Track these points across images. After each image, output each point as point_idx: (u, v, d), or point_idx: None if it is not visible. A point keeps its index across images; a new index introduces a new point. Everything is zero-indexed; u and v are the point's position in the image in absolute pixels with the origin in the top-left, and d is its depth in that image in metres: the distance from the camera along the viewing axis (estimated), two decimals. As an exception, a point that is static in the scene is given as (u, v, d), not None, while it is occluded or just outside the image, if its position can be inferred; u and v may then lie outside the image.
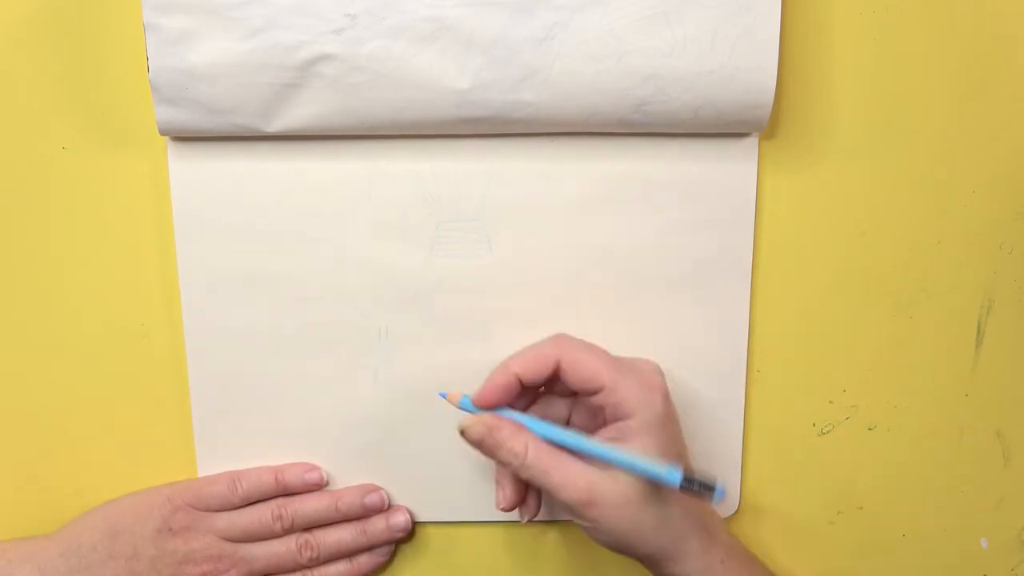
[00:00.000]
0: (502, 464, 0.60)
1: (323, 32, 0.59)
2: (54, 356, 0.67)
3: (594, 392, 0.60)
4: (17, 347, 0.67)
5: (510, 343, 0.66)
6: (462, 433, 0.61)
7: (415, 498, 0.70)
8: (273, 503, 0.67)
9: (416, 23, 0.59)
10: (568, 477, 0.58)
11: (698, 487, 0.56)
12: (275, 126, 0.61)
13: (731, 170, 0.65)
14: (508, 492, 0.64)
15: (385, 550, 0.69)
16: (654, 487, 0.59)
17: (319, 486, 0.68)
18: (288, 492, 0.68)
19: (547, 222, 0.66)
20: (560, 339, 0.61)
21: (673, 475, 0.57)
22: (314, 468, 0.68)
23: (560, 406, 0.64)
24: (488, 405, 0.61)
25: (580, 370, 0.60)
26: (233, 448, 0.68)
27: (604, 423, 0.61)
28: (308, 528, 0.67)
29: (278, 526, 0.66)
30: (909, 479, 0.71)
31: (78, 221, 0.66)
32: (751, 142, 0.65)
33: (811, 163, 0.66)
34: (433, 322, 0.67)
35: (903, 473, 0.71)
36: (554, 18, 0.59)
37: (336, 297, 0.67)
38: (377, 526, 0.68)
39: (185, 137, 0.63)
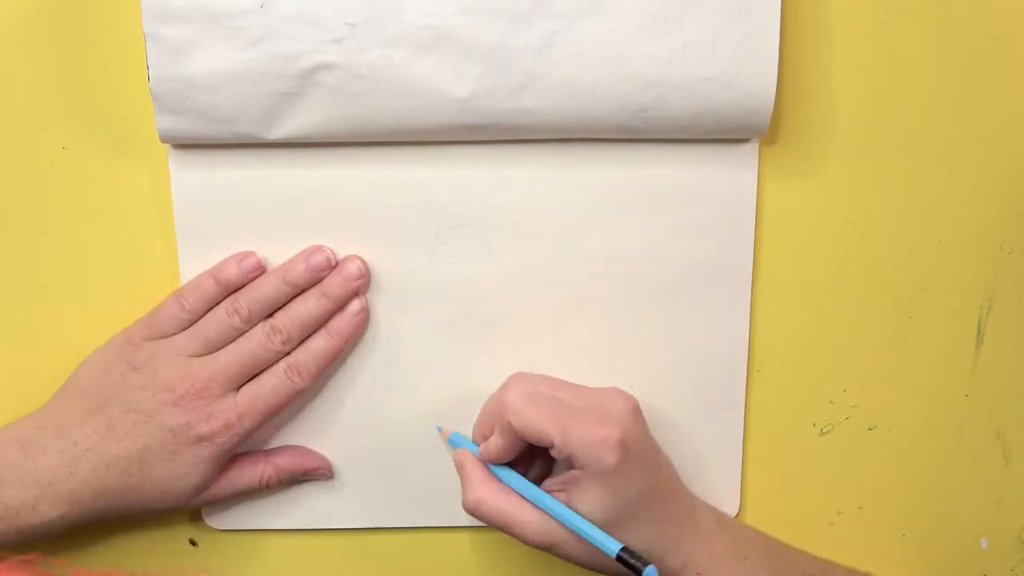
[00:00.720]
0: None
1: (323, 41, 0.59)
2: (54, 357, 0.67)
3: (548, 447, 0.61)
4: (17, 348, 0.67)
5: (510, 348, 0.67)
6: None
7: (415, 502, 0.71)
8: (223, 301, 0.64)
9: (415, 32, 0.59)
10: (526, 526, 0.62)
11: (631, 564, 0.58)
12: (276, 134, 0.62)
13: (731, 176, 0.66)
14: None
15: (357, 307, 0.65)
16: (610, 525, 0.61)
17: (261, 269, 0.65)
18: (234, 289, 0.65)
19: (547, 228, 0.66)
20: (509, 394, 0.62)
21: (611, 548, 0.59)
22: (248, 254, 0.65)
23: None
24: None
25: (528, 431, 0.61)
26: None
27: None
28: (269, 315, 0.65)
29: (236, 320, 0.63)
30: (909, 479, 0.72)
31: (79, 228, 0.66)
32: (751, 148, 0.65)
33: (811, 167, 0.67)
34: (433, 327, 0.67)
35: (903, 473, 0.72)
36: (553, 26, 0.59)
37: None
38: (334, 283, 0.65)
39: (186, 144, 0.64)
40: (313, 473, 0.69)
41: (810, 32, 0.65)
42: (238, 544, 0.72)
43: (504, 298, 0.67)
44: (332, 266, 0.65)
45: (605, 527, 0.60)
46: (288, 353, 0.64)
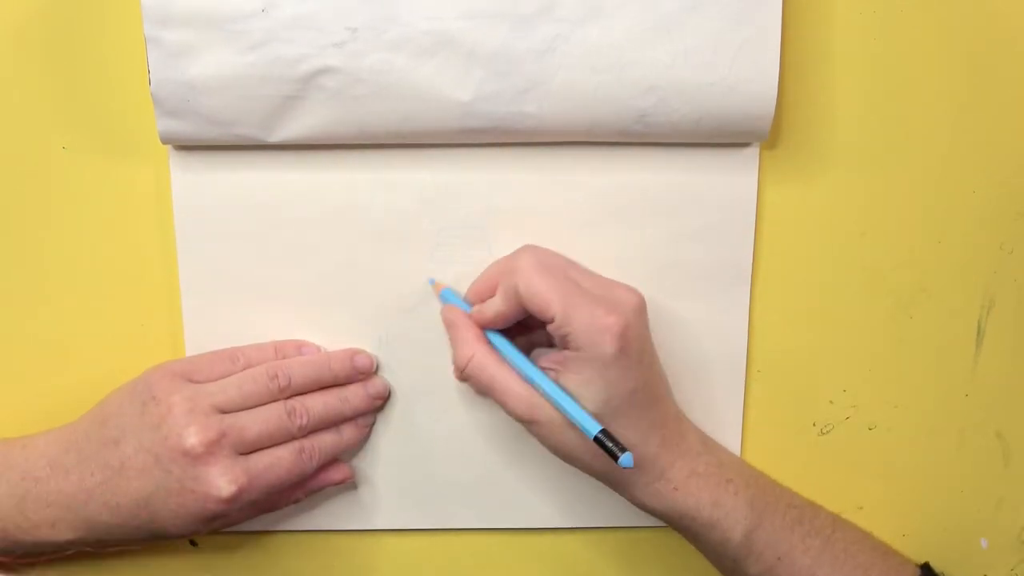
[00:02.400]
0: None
1: (324, 45, 0.59)
2: (54, 359, 0.68)
3: (547, 322, 0.61)
4: (17, 348, 0.68)
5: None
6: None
7: (414, 504, 0.71)
8: (266, 364, 0.65)
9: (417, 36, 0.60)
10: (510, 394, 0.62)
11: (608, 447, 0.58)
12: (277, 136, 0.62)
13: (732, 180, 0.66)
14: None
15: (366, 421, 0.69)
16: (595, 415, 0.60)
17: (313, 352, 0.68)
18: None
19: (548, 231, 0.67)
20: (522, 262, 0.62)
21: (590, 429, 0.59)
22: (310, 345, 0.68)
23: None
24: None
25: (532, 299, 0.60)
26: None
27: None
28: (297, 394, 0.66)
29: (273, 385, 0.64)
30: (909, 479, 0.72)
31: (79, 229, 0.67)
32: (752, 152, 0.66)
33: (812, 170, 0.67)
34: (433, 328, 0.68)
35: (903, 473, 0.72)
36: (555, 30, 0.60)
37: (337, 304, 0.68)
38: (358, 394, 0.67)
39: (187, 146, 0.64)
40: (339, 484, 0.69)
41: (810, 37, 0.65)
42: (238, 544, 0.72)
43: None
44: (371, 373, 0.68)
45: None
46: (299, 436, 0.65)
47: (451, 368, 0.68)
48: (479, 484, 0.71)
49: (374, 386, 0.68)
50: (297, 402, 0.65)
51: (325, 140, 0.63)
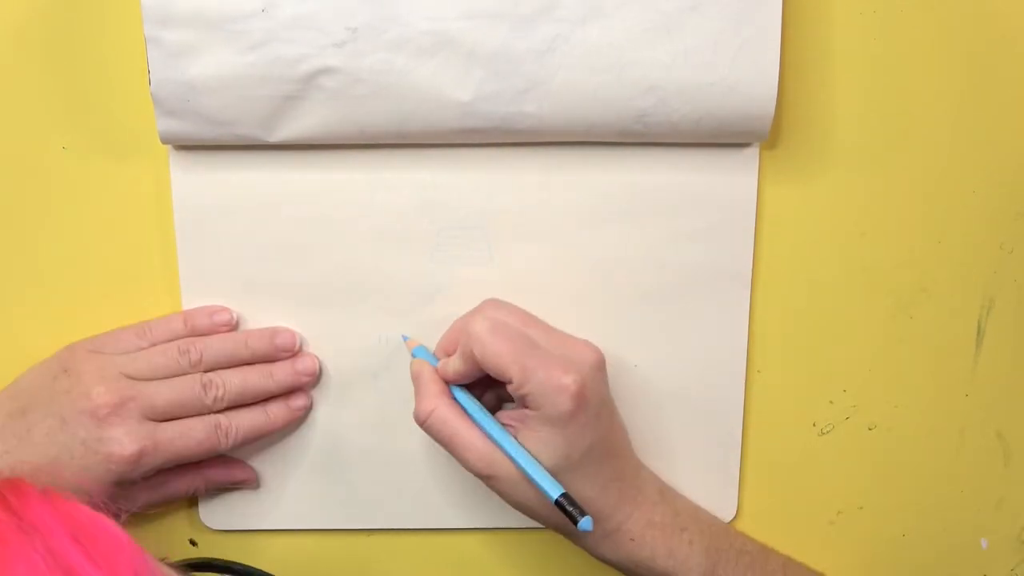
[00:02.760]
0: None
1: (324, 45, 0.60)
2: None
3: (506, 383, 0.61)
4: (17, 348, 0.67)
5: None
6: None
7: (414, 504, 0.71)
8: (180, 340, 0.65)
9: (417, 36, 0.60)
10: (470, 449, 0.62)
11: (568, 511, 0.59)
12: (277, 136, 0.63)
13: (732, 180, 0.66)
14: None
15: (300, 403, 0.68)
16: (553, 471, 0.61)
17: (230, 327, 0.67)
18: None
19: (548, 231, 0.67)
20: (476, 327, 0.62)
21: (551, 492, 0.59)
22: (223, 310, 0.67)
23: None
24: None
25: (488, 363, 0.61)
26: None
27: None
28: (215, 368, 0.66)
29: (184, 360, 0.64)
30: (909, 479, 0.72)
31: (79, 229, 0.67)
32: (752, 152, 0.66)
33: (812, 170, 0.68)
34: (433, 328, 0.68)
35: (903, 473, 0.72)
36: (555, 30, 0.60)
37: (336, 304, 0.68)
38: (283, 369, 0.67)
39: (187, 146, 0.64)
40: (242, 484, 0.70)
41: (810, 37, 0.65)
42: (238, 544, 0.72)
43: (504, 299, 0.67)
44: (294, 351, 0.68)
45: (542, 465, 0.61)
46: (217, 411, 0.65)
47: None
48: (478, 484, 0.71)
49: (302, 362, 0.68)
50: (215, 375, 0.65)
51: (325, 140, 0.63)
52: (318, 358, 0.68)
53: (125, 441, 0.61)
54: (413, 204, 0.66)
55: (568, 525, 0.60)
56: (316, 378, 0.69)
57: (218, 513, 0.71)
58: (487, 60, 0.60)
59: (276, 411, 0.67)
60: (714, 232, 0.67)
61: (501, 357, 0.61)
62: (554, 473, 0.61)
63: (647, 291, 0.67)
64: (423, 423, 0.63)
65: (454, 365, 0.63)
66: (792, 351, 0.71)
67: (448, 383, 0.64)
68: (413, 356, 0.67)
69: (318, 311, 0.68)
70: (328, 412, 0.70)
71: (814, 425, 0.72)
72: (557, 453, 0.61)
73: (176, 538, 0.72)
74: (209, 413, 0.65)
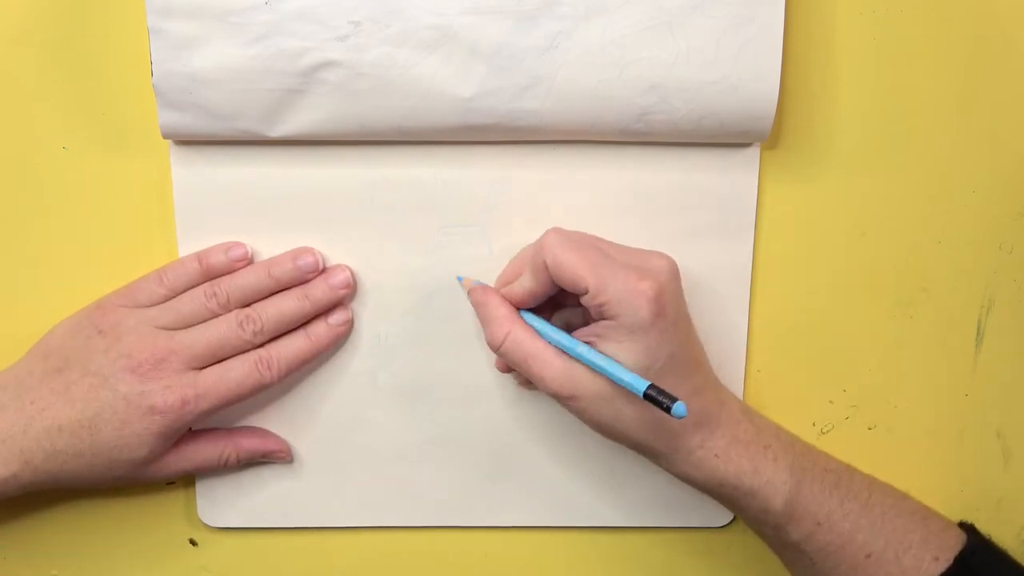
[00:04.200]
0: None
1: (327, 39, 0.60)
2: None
3: (581, 294, 0.60)
4: (18, 348, 0.67)
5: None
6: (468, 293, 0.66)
7: (414, 504, 0.72)
8: (204, 284, 0.65)
9: (420, 31, 0.60)
10: (547, 370, 0.61)
11: (659, 401, 0.56)
12: (278, 131, 0.63)
13: (733, 179, 0.67)
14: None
15: (341, 319, 0.67)
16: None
17: (247, 260, 0.66)
18: (217, 276, 0.66)
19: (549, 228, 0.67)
20: (548, 239, 0.61)
21: (639, 384, 0.57)
22: (237, 245, 0.66)
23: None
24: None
25: (562, 274, 0.60)
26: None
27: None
28: (247, 305, 0.65)
29: (212, 303, 0.64)
30: (909, 479, 0.72)
31: (82, 225, 0.67)
32: (753, 151, 0.66)
33: (812, 170, 0.68)
34: (433, 326, 0.69)
35: (903, 473, 0.72)
36: (558, 27, 0.60)
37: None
38: (318, 288, 0.66)
39: (188, 141, 0.65)
40: (273, 455, 0.69)
41: (812, 37, 0.66)
42: (238, 544, 0.73)
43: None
44: (320, 270, 0.66)
45: (622, 392, 0.60)
46: (259, 346, 0.65)
47: (450, 367, 0.69)
48: (478, 482, 0.71)
49: (335, 276, 0.66)
50: (250, 310, 0.65)
51: (326, 136, 0.63)
52: (349, 268, 0.67)
53: (167, 392, 0.62)
54: (414, 201, 0.67)
55: (653, 437, 0.60)
56: (353, 289, 0.68)
57: (218, 511, 0.71)
58: (489, 56, 0.61)
59: (318, 332, 0.67)
60: (714, 231, 0.68)
61: (575, 265, 0.59)
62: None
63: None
64: (499, 348, 0.62)
65: (523, 284, 0.63)
66: (792, 351, 0.71)
67: (517, 307, 0.64)
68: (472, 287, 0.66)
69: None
70: (328, 410, 0.70)
71: (814, 425, 0.72)
72: (639, 361, 0.59)
73: (176, 537, 0.73)
74: (252, 349, 0.65)
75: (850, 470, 0.67)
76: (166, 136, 0.63)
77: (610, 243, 0.63)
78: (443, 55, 0.61)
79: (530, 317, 0.63)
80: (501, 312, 0.63)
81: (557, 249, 0.60)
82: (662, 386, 0.58)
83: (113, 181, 0.67)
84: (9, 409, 0.62)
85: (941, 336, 0.71)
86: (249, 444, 0.68)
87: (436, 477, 0.71)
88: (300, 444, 0.70)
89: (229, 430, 0.69)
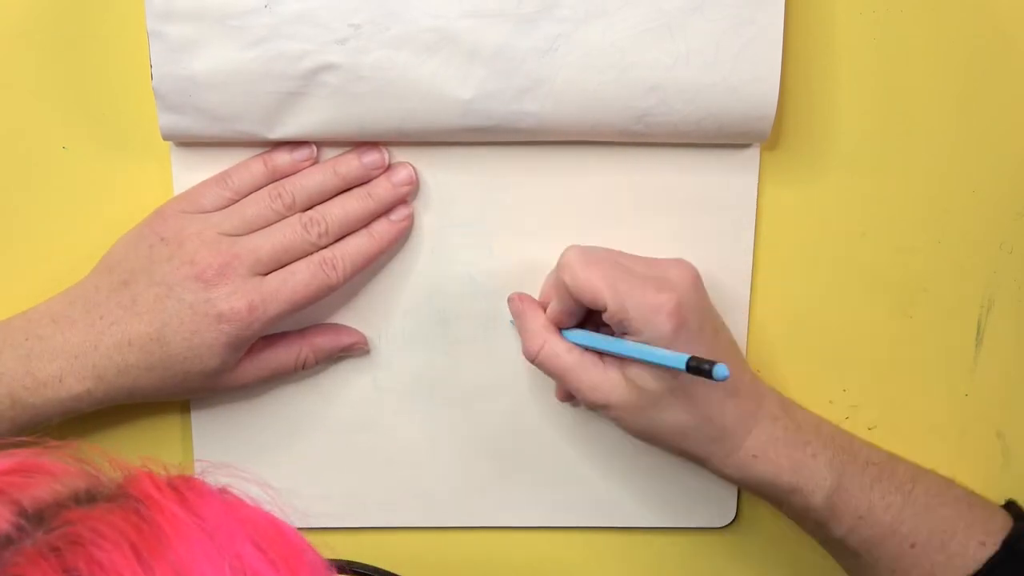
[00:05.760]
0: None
1: (327, 42, 0.60)
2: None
3: (601, 311, 0.61)
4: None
5: (510, 349, 0.68)
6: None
7: (414, 504, 0.72)
8: (268, 186, 0.64)
9: (419, 34, 0.60)
10: (584, 381, 0.62)
11: (701, 369, 0.56)
12: (278, 133, 0.63)
13: (733, 180, 0.67)
14: None
15: (402, 214, 0.66)
16: (667, 395, 0.60)
17: (312, 161, 0.65)
18: (283, 175, 0.65)
19: (549, 230, 0.67)
20: (567, 258, 0.62)
21: (679, 360, 0.57)
22: (304, 145, 0.65)
23: None
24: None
25: (581, 293, 0.61)
26: (231, 445, 0.70)
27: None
28: (311, 207, 0.65)
29: (278, 204, 0.63)
30: (909, 479, 0.73)
31: (80, 224, 0.67)
32: (753, 152, 0.67)
33: (812, 171, 0.68)
34: (433, 327, 0.69)
35: (903, 473, 0.73)
36: (557, 30, 0.61)
37: (336, 303, 0.68)
38: (381, 186, 0.65)
39: (189, 142, 0.65)
40: (351, 349, 0.68)
41: (812, 38, 0.66)
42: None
43: (504, 299, 0.68)
44: (385, 166, 0.65)
45: (657, 399, 0.60)
46: (324, 248, 0.64)
47: (450, 367, 0.70)
48: (479, 483, 0.71)
49: (397, 174, 0.66)
50: (314, 212, 0.64)
51: (326, 137, 0.64)
52: (411, 165, 0.66)
53: (233, 299, 0.61)
54: (413, 203, 0.67)
55: (692, 448, 0.61)
56: (416, 185, 0.67)
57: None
58: (489, 59, 0.61)
59: (380, 229, 0.65)
60: (714, 232, 0.68)
61: (593, 283, 0.60)
62: (663, 397, 0.60)
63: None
64: (535, 358, 0.63)
65: (553, 307, 0.63)
66: (792, 351, 0.71)
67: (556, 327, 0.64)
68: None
69: (318, 309, 0.68)
70: (329, 411, 0.70)
71: (814, 425, 0.72)
72: (662, 377, 0.60)
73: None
74: (317, 251, 0.64)
75: (893, 461, 0.67)
76: (166, 138, 0.63)
77: (631, 256, 0.64)
78: (443, 58, 0.61)
79: (573, 332, 0.64)
80: (537, 324, 0.64)
81: (575, 267, 0.61)
82: (694, 393, 0.60)
83: (113, 182, 0.67)
84: (79, 324, 0.62)
85: (941, 336, 0.71)
86: (324, 341, 0.68)
87: (436, 477, 0.72)
88: (300, 444, 0.71)
89: (303, 331, 0.67)
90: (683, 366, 0.56)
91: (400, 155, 0.66)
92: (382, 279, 0.68)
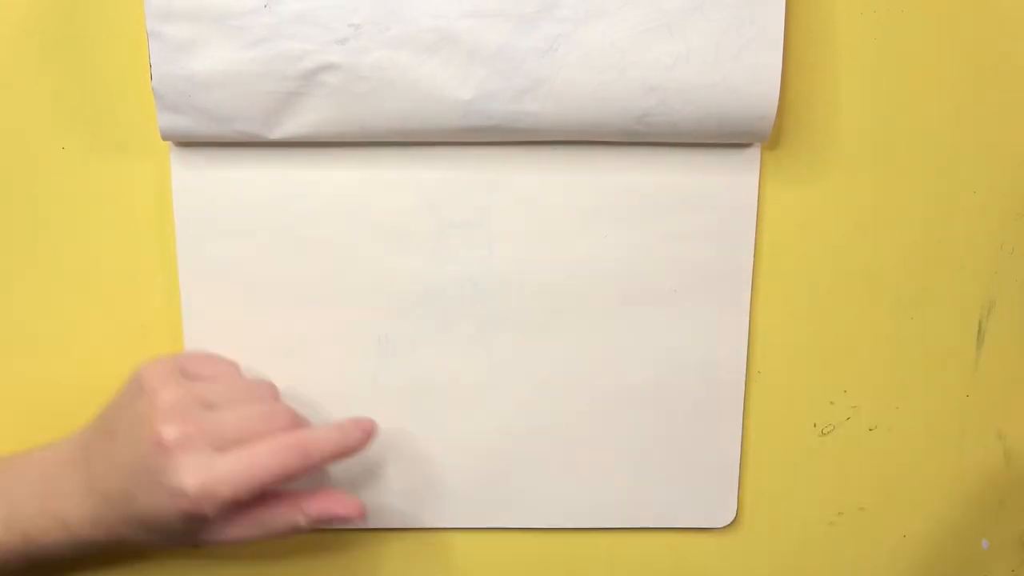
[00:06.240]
0: None
1: (327, 42, 0.60)
2: (54, 359, 0.69)
3: None
4: (17, 348, 0.68)
5: (509, 349, 0.68)
6: None
7: (413, 504, 0.72)
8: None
9: (420, 34, 0.60)
10: None
11: None
12: (278, 133, 0.63)
13: (733, 180, 0.67)
14: None
15: (370, 423, 0.64)
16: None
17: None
18: None
19: (549, 230, 0.67)
20: None
21: None
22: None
23: None
24: None
25: None
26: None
27: None
28: None
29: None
30: (910, 480, 0.73)
31: (80, 226, 0.67)
32: (753, 152, 0.67)
33: (813, 171, 0.68)
34: (433, 328, 0.69)
35: (904, 474, 0.73)
36: (558, 30, 0.61)
37: (336, 302, 0.68)
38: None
39: (188, 143, 0.65)
40: (345, 520, 0.63)
41: (812, 37, 0.66)
42: (238, 544, 0.72)
43: (505, 299, 0.68)
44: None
45: None
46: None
47: (450, 367, 0.69)
48: (479, 484, 0.71)
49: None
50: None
51: (326, 138, 0.64)
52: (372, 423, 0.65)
53: (184, 475, 0.57)
54: (414, 203, 0.67)
55: None
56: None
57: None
58: (489, 59, 0.61)
59: (352, 428, 0.64)
60: (714, 232, 0.68)
61: None
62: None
63: (647, 291, 0.68)
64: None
65: None
66: (793, 351, 0.71)
67: None
68: None
69: (318, 310, 0.68)
70: (328, 411, 0.70)
71: (814, 426, 0.72)
72: None
73: (174, 537, 0.73)
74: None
75: None
76: (166, 138, 0.63)
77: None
78: (443, 58, 0.61)
79: None
80: None
81: None
82: None
83: (112, 182, 0.67)
84: (80, 470, 0.61)
85: (942, 336, 0.71)
86: (316, 508, 0.62)
87: (435, 478, 0.71)
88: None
89: (297, 494, 0.63)
90: None
91: (400, 155, 0.66)
92: (382, 279, 0.68)
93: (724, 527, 0.74)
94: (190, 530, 0.59)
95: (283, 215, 0.67)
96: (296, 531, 0.62)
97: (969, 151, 0.69)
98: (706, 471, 0.72)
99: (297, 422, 0.63)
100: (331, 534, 0.73)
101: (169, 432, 0.58)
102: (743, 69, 0.62)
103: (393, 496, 0.72)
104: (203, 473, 0.57)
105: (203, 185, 0.66)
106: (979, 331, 0.71)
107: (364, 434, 0.64)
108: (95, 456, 0.61)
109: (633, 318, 0.69)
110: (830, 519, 0.74)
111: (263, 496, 0.61)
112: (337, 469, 0.71)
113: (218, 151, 0.65)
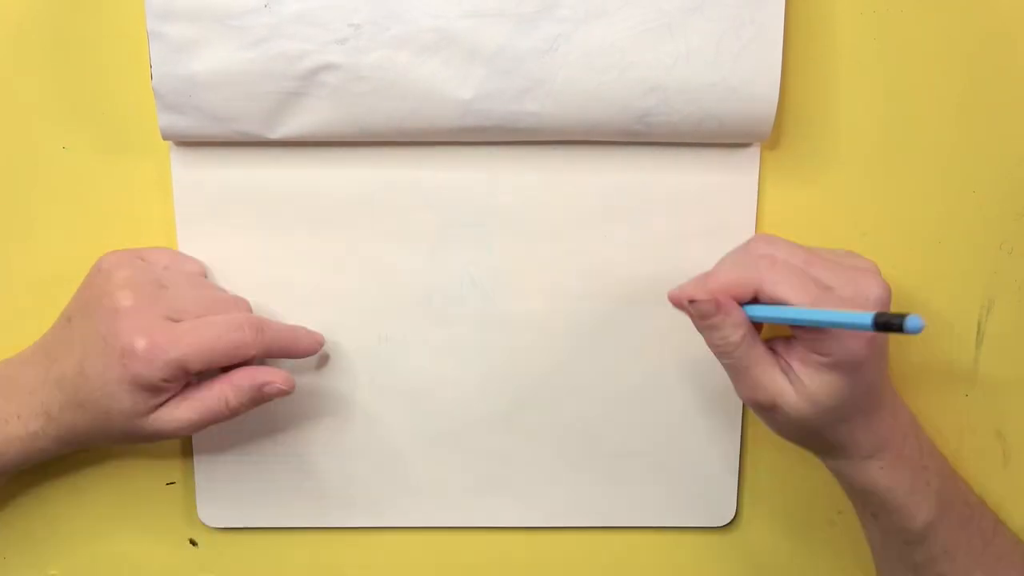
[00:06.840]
0: (709, 343, 0.61)
1: (327, 42, 0.60)
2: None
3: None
4: (16, 348, 0.68)
5: (509, 349, 0.68)
6: (687, 303, 0.60)
7: (413, 504, 0.72)
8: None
9: (420, 34, 0.60)
10: (761, 379, 0.60)
11: (893, 323, 0.52)
12: (278, 133, 0.63)
13: (733, 180, 0.67)
14: None
15: (320, 336, 0.67)
16: (832, 409, 0.59)
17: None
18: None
19: (549, 229, 0.68)
20: (763, 260, 0.59)
21: (864, 320, 0.53)
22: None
23: None
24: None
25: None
26: (230, 445, 0.71)
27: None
28: None
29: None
30: (909, 479, 0.73)
31: (80, 224, 0.68)
32: (753, 152, 0.67)
33: (813, 170, 0.68)
34: (432, 328, 0.69)
35: (903, 473, 0.73)
36: (558, 30, 0.61)
37: (336, 302, 0.68)
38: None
39: (188, 142, 0.65)
40: (270, 386, 0.63)
41: (812, 37, 0.66)
42: (238, 544, 0.73)
43: (505, 298, 0.68)
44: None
45: (826, 411, 0.59)
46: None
47: (450, 367, 0.70)
48: (479, 483, 0.71)
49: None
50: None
51: (326, 137, 0.64)
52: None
53: (136, 335, 0.59)
54: (414, 202, 0.67)
55: (835, 452, 0.61)
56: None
57: (218, 512, 0.72)
58: (489, 58, 0.61)
59: (304, 332, 0.67)
60: (714, 232, 0.68)
61: (792, 300, 0.58)
62: (831, 410, 0.59)
63: (647, 290, 0.68)
64: (731, 353, 0.60)
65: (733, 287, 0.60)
66: (792, 351, 0.71)
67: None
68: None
69: (318, 310, 0.68)
70: (328, 411, 0.70)
71: (814, 425, 0.72)
72: (840, 396, 0.59)
73: (176, 538, 0.73)
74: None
75: (982, 507, 0.69)
76: (166, 138, 0.63)
77: (822, 260, 0.60)
78: (443, 58, 0.61)
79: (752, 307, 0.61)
80: (733, 318, 0.60)
81: (774, 277, 0.58)
82: (852, 412, 0.60)
83: (113, 181, 0.67)
84: (36, 362, 0.63)
85: (941, 336, 0.71)
86: (241, 378, 0.63)
87: (435, 478, 0.72)
88: (300, 445, 0.71)
89: (227, 372, 0.63)
90: (870, 324, 0.53)
91: (400, 155, 0.66)
92: (382, 279, 0.68)
93: (724, 527, 0.74)
94: (138, 407, 0.60)
95: (283, 215, 0.67)
96: (229, 411, 0.63)
97: (969, 151, 0.68)
98: (706, 471, 0.72)
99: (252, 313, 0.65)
100: (329, 533, 0.73)
101: (124, 298, 0.60)
102: (743, 69, 0.62)
103: (392, 496, 0.72)
104: (156, 334, 0.59)
105: (204, 184, 0.66)
106: (978, 331, 0.71)
107: (314, 342, 0.66)
108: (52, 344, 0.63)
109: (633, 318, 0.69)
110: (830, 518, 0.74)
111: (200, 380, 0.63)
112: (332, 466, 0.71)
113: (218, 151, 0.65)
